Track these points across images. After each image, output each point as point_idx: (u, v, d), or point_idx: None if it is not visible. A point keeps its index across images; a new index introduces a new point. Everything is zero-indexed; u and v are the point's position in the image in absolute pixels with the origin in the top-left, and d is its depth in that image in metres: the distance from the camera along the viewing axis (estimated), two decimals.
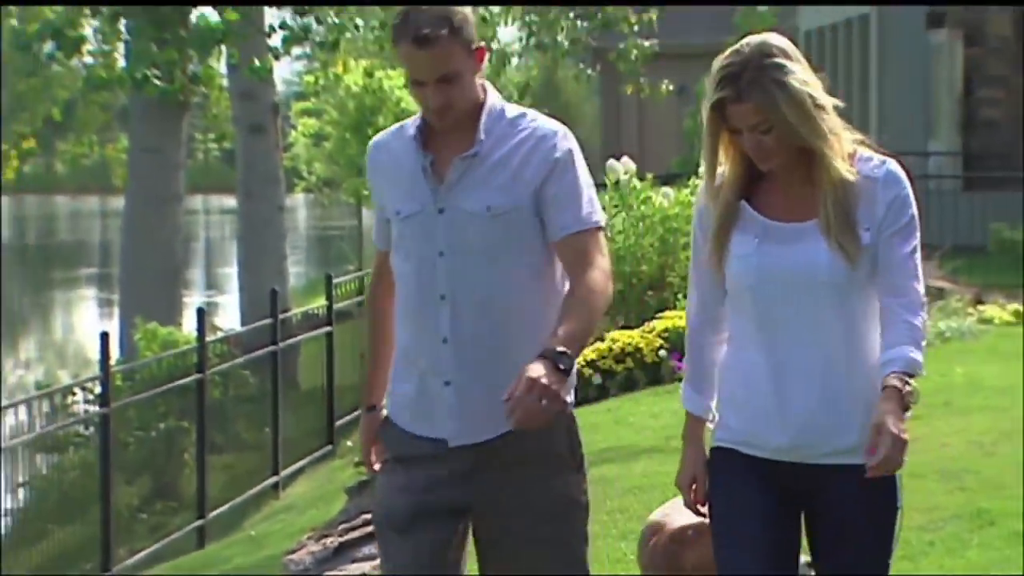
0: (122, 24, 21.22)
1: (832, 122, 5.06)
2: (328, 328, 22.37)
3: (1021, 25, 28.39)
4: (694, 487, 5.32)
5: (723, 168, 5.21)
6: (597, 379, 16.21)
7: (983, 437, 11.44)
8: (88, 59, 22.49)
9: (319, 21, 21.71)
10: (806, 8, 34.48)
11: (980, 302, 18.69)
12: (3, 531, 15.59)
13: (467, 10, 5.47)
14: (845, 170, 5.02)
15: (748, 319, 5.17)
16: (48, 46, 21.59)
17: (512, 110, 5.65)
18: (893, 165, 5.15)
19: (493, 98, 5.63)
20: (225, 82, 29.11)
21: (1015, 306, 18.54)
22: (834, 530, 5.13)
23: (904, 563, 8.48)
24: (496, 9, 31.76)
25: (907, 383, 4.89)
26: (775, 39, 5.11)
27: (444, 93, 5.42)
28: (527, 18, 28.46)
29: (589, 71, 42.06)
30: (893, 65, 28.51)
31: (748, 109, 4.98)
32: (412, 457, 5.63)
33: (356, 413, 18.69)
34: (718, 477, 5.25)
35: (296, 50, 23.36)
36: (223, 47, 21.00)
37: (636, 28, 25.30)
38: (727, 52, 5.11)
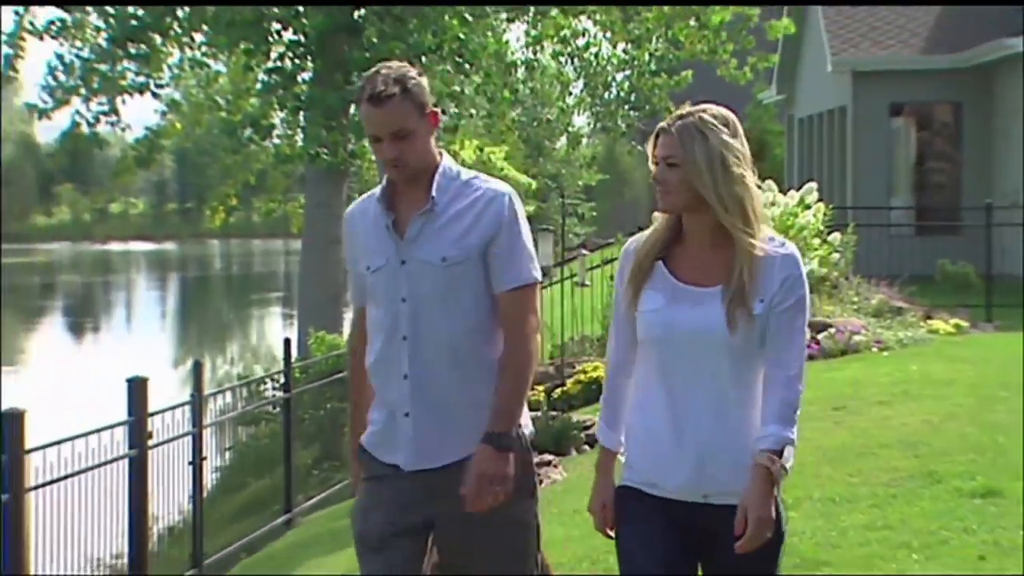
0: (300, 116, 21.24)
1: (742, 191, 4.37)
2: None
3: (957, 115, 28.32)
4: (604, 512, 4.63)
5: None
6: None
7: (932, 417, 11.35)
8: (276, 140, 22.62)
9: (443, 112, 21.63)
10: (800, 100, 34.27)
11: (929, 317, 18.52)
12: (215, 482, 15.65)
13: (422, 78, 4.91)
14: (755, 246, 4.37)
15: (653, 368, 4.49)
16: (247, 132, 21.63)
17: (466, 173, 4.99)
18: (791, 248, 4.47)
19: (447, 161, 5.00)
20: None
21: (955, 321, 18.46)
22: (727, 561, 4.37)
23: (874, 511, 8.40)
24: (571, 101, 31.62)
25: (775, 460, 4.29)
26: (722, 110, 4.48)
27: (397, 148, 4.84)
28: (594, 109, 28.30)
29: (640, 147, 41.86)
30: (864, 142, 28.36)
31: (672, 139, 4.40)
32: (380, 476, 5.01)
33: None
34: (623, 516, 4.56)
35: None
36: None
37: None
38: None
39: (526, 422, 4.99)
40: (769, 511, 4.29)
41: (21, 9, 20.16)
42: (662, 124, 4.49)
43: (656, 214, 4.54)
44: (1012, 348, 15.89)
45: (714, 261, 4.43)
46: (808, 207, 18.03)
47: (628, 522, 4.52)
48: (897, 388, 13.05)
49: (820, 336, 16.12)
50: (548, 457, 11.55)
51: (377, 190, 5.07)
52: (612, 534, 4.60)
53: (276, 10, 20.47)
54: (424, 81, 4.90)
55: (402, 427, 4.92)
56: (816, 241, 17.90)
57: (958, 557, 7.36)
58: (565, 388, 15.01)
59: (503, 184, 4.97)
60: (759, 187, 4.48)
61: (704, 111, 4.45)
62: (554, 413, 13.23)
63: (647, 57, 21.87)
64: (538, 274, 4.95)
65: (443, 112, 21.56)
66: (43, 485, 9.80)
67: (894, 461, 9.75)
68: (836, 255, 18.44)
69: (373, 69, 4.91)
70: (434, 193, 4.89)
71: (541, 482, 7.25)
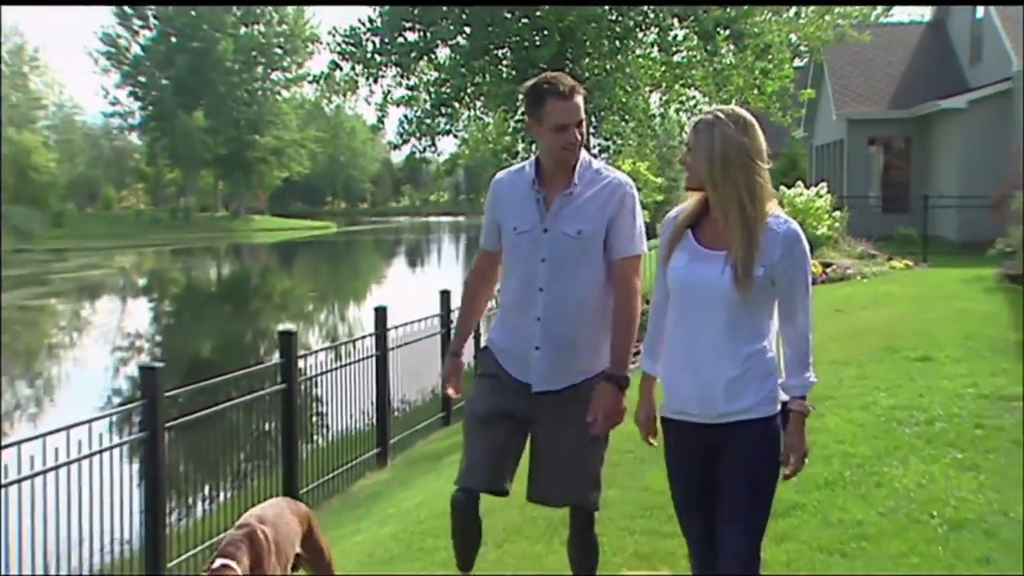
0: (533, 146, 21.27)
1: (738, 177, 3.20)
2: None
3: (908, 145, 27.66)
4: (647, 423, 3.48)
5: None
6: None
7: (892, 315, 11.19)
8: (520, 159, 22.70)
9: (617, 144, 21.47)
10: (816, 135, 33.43)
11: (891, 259, 18.17)
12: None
13: None
14: (747, 221, 3.20)
15: (677, 313, 3.35)
16: (504, 155, 21.62)
17: (596, 163, 3.85)
18: (793, 225, 3.26)
19: (584, 153, 3.86)
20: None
21: (906, 261, 18.06)
22: (736, 467, 3.26)
23: (858, 369, 8.24)
24: (685, 136, 31.06)
25: (805, 404, 3.27)
26: (737, 109, 3.29)
27: (580, 132, 3.76)
28: None
29: None
30: (853, 160, 27.93)
31: (692, 132, 3.30)
32: (498, 376, 3.84)
33: None
34: (667, 441, 3.41)
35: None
36: None
37: None
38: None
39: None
40: (805, 447, 3.27)
41: (384, 89, 20.55)
42: (696, 120, 3.36)
43: (687, 191, 3.43)
44: (938, 277, 15.53)
45: (728, 229, 3.28)
46: (821, 196, 18.02)
47: (668, 447, 3.41)
48: (871, 299, 12.86)
49: (827, 269, 16.17)
50: None
51: (527, 167, 3.91)
52: (653, 442, 3.49)
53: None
54: None
55: (532, 357, 3.78)
56: (826, 216, 17.91)
57: (907, 395, 7.20)
58: None
59: (625, 175, 3.89)
60: (760, 176, 3.24)
61: (721, 110, 3.29)
62: None
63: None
64: (644, 248, 3.83)
65: (623, 143, 21.46)
66: (398, 347, 9.86)
67: (870, 341, 9.53)
68: (837, 224, 18.29)
69: (544, 75, 3.85)
70: (576, 180, 3.76)
71: None
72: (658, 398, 3.48)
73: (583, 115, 3.75)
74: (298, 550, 4.25)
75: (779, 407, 3.29)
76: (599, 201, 3.76)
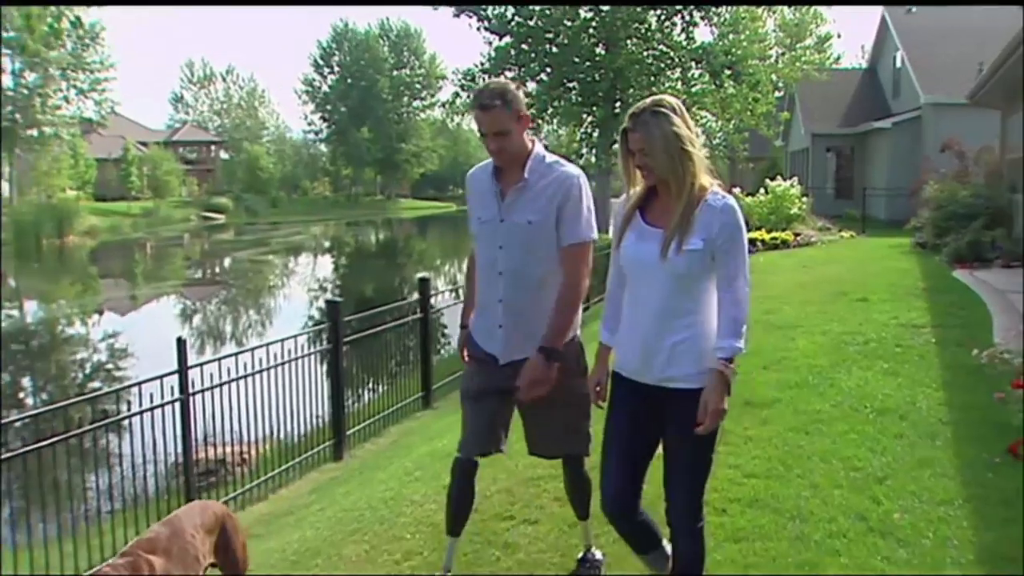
0: (592, 149, 21.02)
1: (691, 164, 2.48)
2: None
3: (853, 152, 26.74)
4: (598, 389, 2.69)
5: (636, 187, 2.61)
6: None
7: (843, 269, 10.81)
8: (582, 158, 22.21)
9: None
10: (791, 144, 32.23)
11: (841, 231, 17.66)
12: None
13: (518, 91, 2.92)
14: (692, 200, 2.48)
15: (629, 288, 2.59)
16: (573, 156, 21.37)
17: (550, 157, 2.94)
18: (731, 200, 2.48)
19: (538, 148, 2.95)
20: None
21: (851, 233, 17.49)
22: (677, 437, 2.51)
23: (817, 306, 8.02)
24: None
25: (728, 366, 2.42)
26: (671, 99, 2.51)
27: (497, 142, 2.87)
28: (705, 148, 27.06)
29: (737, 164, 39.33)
30: (816, 162, 27.27)
31: (638, 136, 2.49)
32: (482, 359, 3.03)
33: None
34: (612, 391, 2.65)
35: None
36: None
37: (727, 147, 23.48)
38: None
39: (576, 327, 2.99)
40: (722, 404, 2.44)
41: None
42: (626, 125, 2.54)
43: (635, 188, 2.62)
44: (873, 244, 14.94)
45: (673, 208, 2.51)
46: (794, 187, 17.56)
47: (612, 394, 2.66)
48: (827, 259, 12.43)
49: (797, 237, 15.86)
50: None
51: (489, 162, 3.03)
52: (602, 405, 2.72)
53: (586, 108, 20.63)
54: (520, 94, 2.94)
55: (497, 334, 3.01)
56: (797, 200, 17.52)
57: (851, 324, 7.00)
58: None
59: (575, 167, 2.97)
60: (692, 148, 2.51)
61: (659, 104, 2.51)
62: None
63: (731, 126, 20.89)
64: (591, 235, 2.93)
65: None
66: None
67: (827, 288, 9.20)
68: (804, 206, 17.83)
69: (483, 84, 2.96)
70: (526, 174, 2.92)
71: None
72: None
73: (503, 126, 2.87)
74: (211, 560, 2.93)
75: None
76: (548, 192, 2.91)
